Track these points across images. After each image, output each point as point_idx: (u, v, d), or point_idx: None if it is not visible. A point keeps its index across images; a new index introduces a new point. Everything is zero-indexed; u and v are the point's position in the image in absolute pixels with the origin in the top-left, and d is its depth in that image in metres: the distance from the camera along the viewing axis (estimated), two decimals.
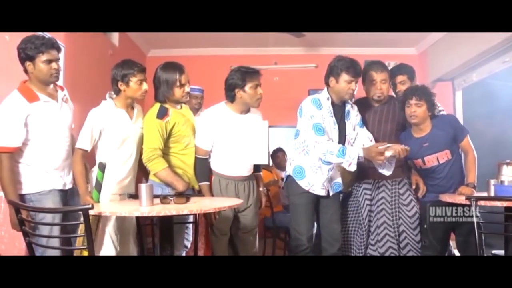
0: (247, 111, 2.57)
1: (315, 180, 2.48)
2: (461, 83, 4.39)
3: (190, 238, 2.68)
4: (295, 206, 2.54)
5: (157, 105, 2.41)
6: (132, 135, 2.38)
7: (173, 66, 2.43)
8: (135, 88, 2.33)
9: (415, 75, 2.86)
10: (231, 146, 2.50)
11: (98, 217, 2.13)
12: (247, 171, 2.59)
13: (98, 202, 2.12)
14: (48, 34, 2.24)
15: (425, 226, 2.54)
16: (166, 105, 2.41)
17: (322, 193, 2.49)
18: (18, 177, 2.08)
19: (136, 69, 2.33)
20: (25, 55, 2.06)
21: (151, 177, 2.44)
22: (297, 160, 2.53)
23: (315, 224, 2.74)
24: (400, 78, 2.81)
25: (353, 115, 2.56)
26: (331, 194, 2.53)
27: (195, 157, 2.49)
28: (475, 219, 1.99)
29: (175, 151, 2.44)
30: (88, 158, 2.33)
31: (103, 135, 2.29)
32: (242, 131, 2.52)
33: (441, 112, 2.74)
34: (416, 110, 2.50)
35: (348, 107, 2.53)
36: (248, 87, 2.44)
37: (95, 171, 2.30)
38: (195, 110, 3.29)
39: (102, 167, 2.11)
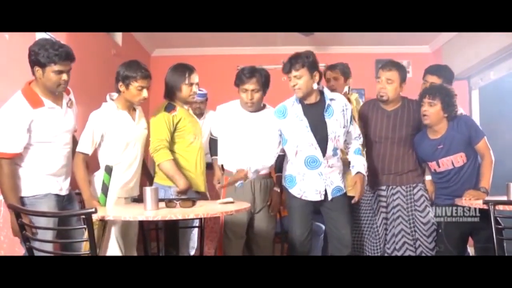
0: (260, 109, 2.58)
1: (306, 187, 2.37)
2: (478, 82, 4.27)
3: (195, 244, 2.62)
4: (289, 210, 2.48)
5: (165, 102, 2.44)
6: (136, 137, 2.33)
7: (183, 66, 2.48)
8: (134, 93, 2.25)
9: (452, 81, 2.72)
10: (241, 143, 2.50)
11: (105, 222, 2.06)
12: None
13: (105, 206, 2.08)
14: (60, 40, 2.18)
15: (440, 230, 2.45)
16: (174, 103, 2.44)
17: (317, 198, 2.37)
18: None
19: (139, 74, 2.24)
20: (36, 60, 1.99)
21: (156, 180, 2.41)
22: (286, 168, 2.47)
23: (323, 228, 2.67)
24: (432, 78, 2.68)
25: (338, 110, 2.33)
26: (329, 198, 2.37)
27: (210, 139, 2.71)
28: (493, 225, 1.91)
29: (179, 147, 2.41)
30: (91, 162, 2.27)
31: (105, 138, 2.24)
32: (252, 129, 2.51)
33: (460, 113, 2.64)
34: (427, 109, 2.41)
35: (327, 102, 2.32)
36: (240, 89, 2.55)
37: (97, 175, 2.25)
38: (198, 115, 3.27)
39: (109, 170, 2.07)
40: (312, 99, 2.33)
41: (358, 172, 2.36)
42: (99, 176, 2.23)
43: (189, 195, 2.31)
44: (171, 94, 2.44)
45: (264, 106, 2.63)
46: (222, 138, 2.57)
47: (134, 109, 2.39)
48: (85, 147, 2.18)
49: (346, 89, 2.98)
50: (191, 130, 2.43)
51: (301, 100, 2.33)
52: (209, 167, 2.77)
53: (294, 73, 2.25)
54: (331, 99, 2.35)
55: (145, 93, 2.27)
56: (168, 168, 2.29)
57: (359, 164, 2.38)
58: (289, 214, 2.50)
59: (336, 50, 4.68)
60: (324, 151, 2.30)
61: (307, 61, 2.25)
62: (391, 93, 2.54)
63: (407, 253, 2.49)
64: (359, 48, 4.84)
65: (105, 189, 2.07)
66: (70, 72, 2.09)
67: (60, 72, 2.02)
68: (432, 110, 2.40)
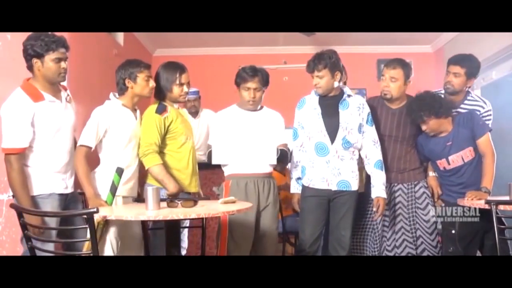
0: (259, 108, 2.59)
1: (313, 174, 2.43)
2: (480, 82, 4.25)
3: (185, 245, 2.61)
4: (301, 211, 2.52)
5: (156, 102, 2.42)
6: (137, 136, 2.33)
7: (174, 65, 2.45)
8: (143, 84, 2.32)
9: (477, 74, 2.62)
10: (244, 143, 2.46)
11: (105, 221, 2.06)
12: (265, 168, 2.51)
13: (111, 205, 2.08)
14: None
15: (453, 231, 2.40)
16: (165, 103, 2.42)
17: (323, 186, 2.41)
18: None
19: (142, 65, 2.33)
20: (34, 52, 2.00)
21: (147, 180, 2.40)
22: (300, 160, 2.53)
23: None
24: (454, 68, 2.57)
25: (354, 106, 2.45)
26: (333, 189, 2.41)
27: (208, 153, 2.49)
28: (495, 225, 1.92)
29: (171, 148, 2.40)
30: (90, 160, 2.26)
31: (108, 133, 2.23)
32: (253, 128, 2.50)
33: (485, 116, 2.58)
34: (426, 128, 2.45)
35: (345, 96, 2.44)
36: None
37: (98, 172, 2.25)
38: (193, 114, 3.25)
39: (120, 172, 2.08)
40: (331, 93, 2.45)
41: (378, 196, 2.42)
42: (100, 173, 2.23)
43: (181, 197, 2.29)
44: (161, 94, 2.42)
45: (262, 107, 2.62)
46: (223, 141, 2.49)
47: (135, 109, 2.40)
48: (88, 140, 2.16)
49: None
50: (183, 131, 2.41)
51: (319, 94, 2.47)
52: (204, 167, 2.75)
53: (316, 73, 2.39)
54: (348, 95, 2.47)
55: (152, 82, 2.36)
56: (157, 172, 2.29)
57: (379, 185, 2.42)
58: (300, 216, 2.51)
59: (338, 50, 4.58)
60: (333, 139, 2.38)
61: (330, 61, 2.37)
62: (394, 91, 2.54)
63: (407, 250, 2.50)
64: (360, 48, 4.84)
65: (113, 189, 2.07)
66: (67, 62, 2.10)
67: (59, 60, 2.04)
68: (430, 123, 2.42)
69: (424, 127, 2.45)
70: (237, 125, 2.51)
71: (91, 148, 2.18)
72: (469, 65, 2.56)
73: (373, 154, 2.46)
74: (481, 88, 4.34)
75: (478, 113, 2.58)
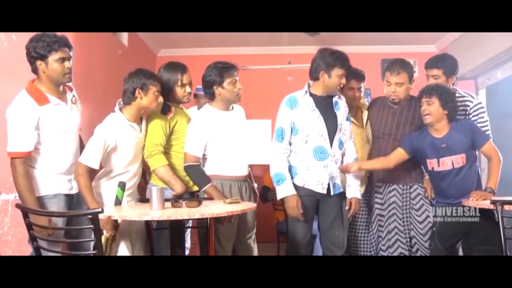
0: (231, 108, 2.50)
1: (309, 176, 2.36)
2: (485, 81, 4.24)
3: (189, 245, 2.61)
4: None
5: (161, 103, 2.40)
6: (142, 147, 2.31)
7: (175, 66, 2.42)
8: (152, 99, 2.22)
9: (455, 71, 2.62)
10: (228, 144, 2.40)
11: (113, 237, 2.06)
12: (246, 170, 2.49)
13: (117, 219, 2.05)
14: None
15: (434, 229, 2.46)
16: (169, 103, 2.40)
17: (319, 189, 2.35)
18: None
19: (156, 78, 2.27)
20: (36, 54, 1.99)
21: (151, 181, 2.40)
22: (289, 160, 2.41)
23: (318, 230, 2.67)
24: (432, 71, 2.61)
25: (342, 106, 2.45)
26: (331, 193, 2.37)
27: (186, 166, 2.32)
28: (500, 225, 1.92)
29: (176, 149, 2.39)
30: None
31: (112, 151, 2.18)
32: (234, 127, 2.44)
33: (477, 109, 2.55)
34: (426, 108, 2.38)
35: (335, 98, 2.43)
36: (226, 83, 2.37)
37: (98, 179, 2.23)
38: None
39: (123, 186, 2.07)
40: (323, 93, 2.41)
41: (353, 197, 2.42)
42: (105, 186, 2.20)
43: (185, 197, 2.29)
44: (164, 96, 2.35)
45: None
46: (210, 145, 2.37)
47: (141, 119, 2.33)
48: (92, 161, 2.09)
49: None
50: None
51: (311, 93, 2.42)
52: None
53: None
54: (338, 96, 2.45)
55: (160, 98, 2.28)
56: (163, 173, 2.28)
57: (356, 185, 2.44)
58: (290, 218, 2.45)
59: (342, 50, 4.66)
60: (331, 142, 2.36)
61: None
62: (402, 95, 2.55)
63: (399, 250, 2.50)
64: (365, 48, 4.84)
65: (118, 203, 2.06)
66: (71, 61, 2.09)
67: (62, 60, 2.03)
68: (431, 108, 2.37)
69: (424, 107, 2.38)
70: (222, 127, 2.38)
71: (95, 169, 2.14)
72: (445, 64, 2.58)
73: (351, 150, 2.46)
74: (486, 88, 4.33)
75: (468, 108, 2.56)
